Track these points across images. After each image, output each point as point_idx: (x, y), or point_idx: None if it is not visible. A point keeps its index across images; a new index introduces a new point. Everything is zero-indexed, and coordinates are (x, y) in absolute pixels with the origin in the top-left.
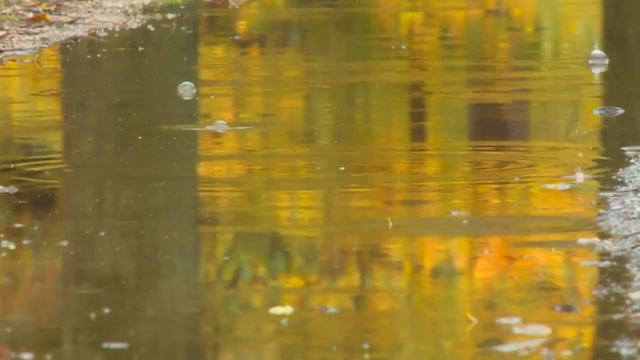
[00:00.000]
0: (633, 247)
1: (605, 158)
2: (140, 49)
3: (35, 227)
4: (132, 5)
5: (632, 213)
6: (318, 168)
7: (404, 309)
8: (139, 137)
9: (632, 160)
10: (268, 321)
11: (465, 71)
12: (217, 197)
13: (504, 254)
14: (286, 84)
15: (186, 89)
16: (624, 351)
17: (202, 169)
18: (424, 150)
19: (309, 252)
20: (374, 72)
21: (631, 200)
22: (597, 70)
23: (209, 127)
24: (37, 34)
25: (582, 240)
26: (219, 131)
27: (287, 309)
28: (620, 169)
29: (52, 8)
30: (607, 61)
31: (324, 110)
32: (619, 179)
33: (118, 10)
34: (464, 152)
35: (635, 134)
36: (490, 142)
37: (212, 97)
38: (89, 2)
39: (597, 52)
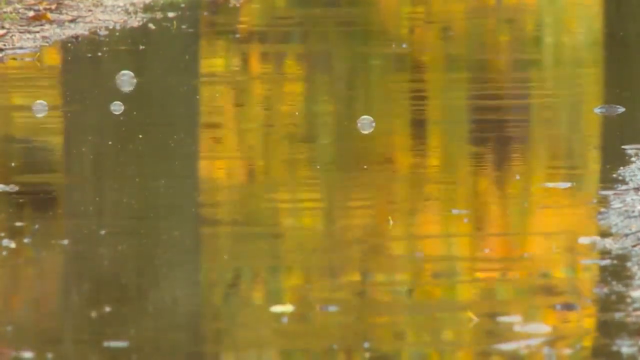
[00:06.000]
0: (634, 246)
1: (606, 156)
2: (141, 47)
3: (36, 226)
4: (132, 4)
5: (633, 211)
6: (318, 167)
7: (405, 308)
8: (140, 136)
9: (632, 159)
10: (269, 319)
11: (465, 70)
12: (218, 196)
13: (504, 253)
14: (286, 82)
15: (125, 79)
16: (625, 350)
17: (203, 167)
18: (424, 149)
19: (310, 250)
20: (375, 71)
21: (632, 199)
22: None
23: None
24: (38, 32)
25: (583, 238)
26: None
27: (287, 308)
28: (621, 168)
29: (53, 6)
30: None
31: (324, 108)
32: (620, 178)
33: (119, 9)
34: (465, 151)
35: (636, 132)
36: (491, 141)
37: (217, 95)
38: (90, 0)
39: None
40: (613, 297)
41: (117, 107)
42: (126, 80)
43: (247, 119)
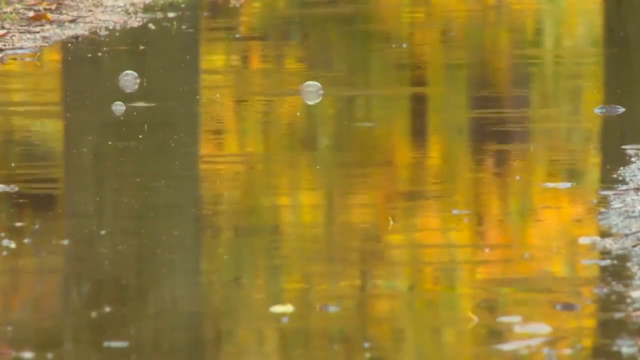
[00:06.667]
0: (634, 246)
1: (606, 156)
2: (141, 47)
3: (36, 226)
4: (133, 4)
5: (633, 211)
6: (318, 167)
7: (405, 308)
8: (140, 136)
9: (632, 159)
10: (269, 320)
11: (466, 70)
12: (218, 196)
13: (504, 253)
14: (286, 81)
15: (128, 79)
16: (625, 350)
17: (203, 167)
18: (424, 148)
19: (310, 250)
20: (375, 71)
21: (632, 199)
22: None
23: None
24: (38, 32)
25: (583, 238)
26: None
27: (288, 308)
28: (621, 168)
29: (53, 7)
30: (321, 92)
31: (324, 108)
32: (620, 178)
33: (119, 9)
34: (465, 151)
35: (636, 132)
36: (491, 141)
37: (217, 95)
38: (90, 0)
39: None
40: (613, 297)
41: (118, 107)
42: (129, 80)
43: (247, 119)
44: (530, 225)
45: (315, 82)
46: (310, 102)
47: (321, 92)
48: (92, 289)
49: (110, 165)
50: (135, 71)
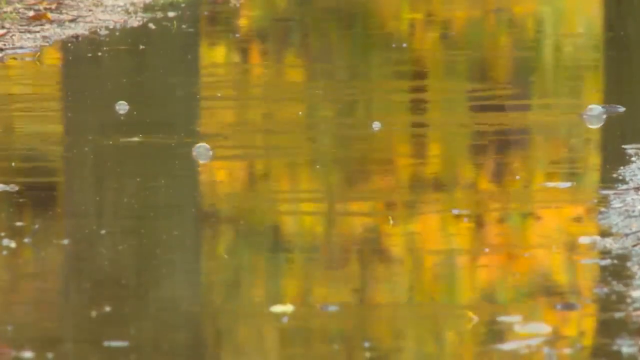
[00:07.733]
0: (634, 245)
1: (606, 156)
2: (141, 47)
3: (36, 226)
4: (133, 4)
5: (633, 211)
6: (318, 167)
7: (405, 307)
8: (140, 136)
9: (633, 159)
10: (269, 319)
11: (466, 69)
12: (218, 196)
13: (504, 252)
14: (286, 81)
15: (201, 151)
16: (625, 349)
17: (203, 167)
18: (424, 148)
19: (310, 250)
20: (375, 71)
21: (632, 199)
22: None
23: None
24: (38, 32)
25: (583, 238)
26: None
27: (288, 307)
28: (621, 167)
29: (53, 6)
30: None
31: (325, 108)
32: (620, 177)
33: (119, 9)
34: (464, 151)
35: (636, 132)
36: (490, 140)
37: (218, 95)
38: (90, 0)
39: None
40: (613, 297)
41: (121, 107)
42: (202, 152)
43: (248, 119)
44: (530, 225)
45: (204, 144)
46: (202, 161)
47: (210, 152)
48: (92, 289)
49: (110, 165)
50: (135, 71)
